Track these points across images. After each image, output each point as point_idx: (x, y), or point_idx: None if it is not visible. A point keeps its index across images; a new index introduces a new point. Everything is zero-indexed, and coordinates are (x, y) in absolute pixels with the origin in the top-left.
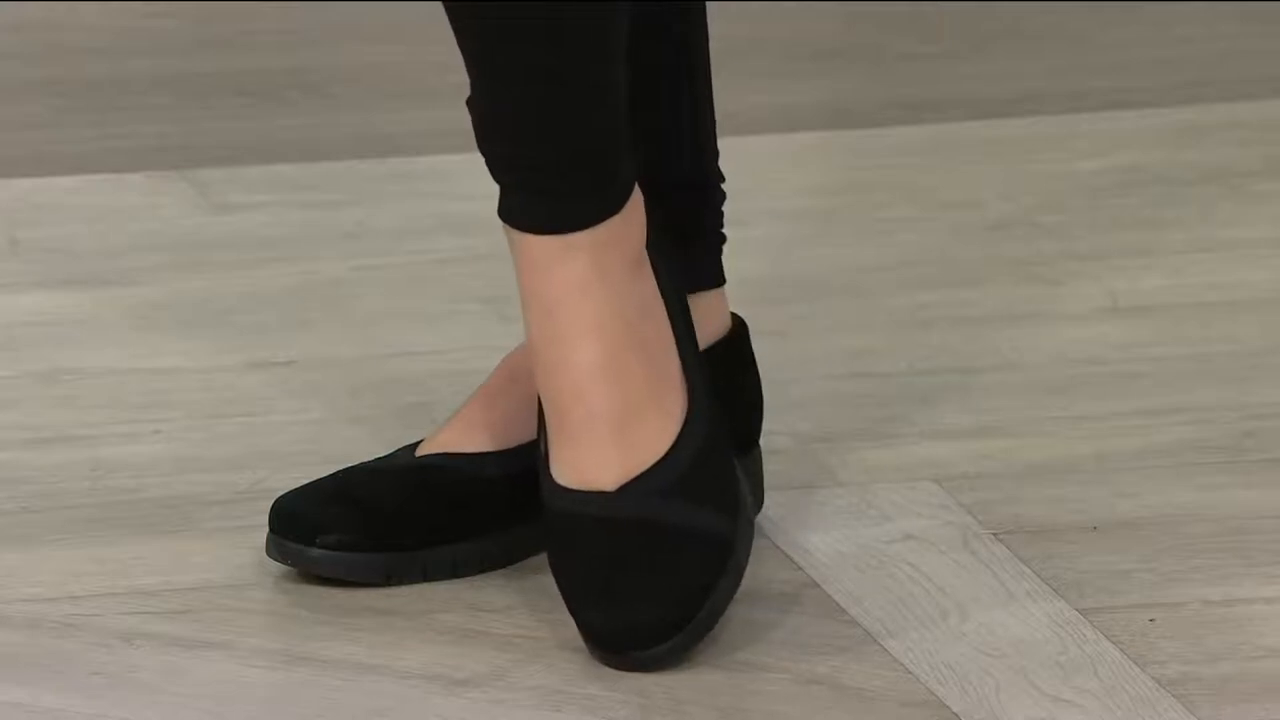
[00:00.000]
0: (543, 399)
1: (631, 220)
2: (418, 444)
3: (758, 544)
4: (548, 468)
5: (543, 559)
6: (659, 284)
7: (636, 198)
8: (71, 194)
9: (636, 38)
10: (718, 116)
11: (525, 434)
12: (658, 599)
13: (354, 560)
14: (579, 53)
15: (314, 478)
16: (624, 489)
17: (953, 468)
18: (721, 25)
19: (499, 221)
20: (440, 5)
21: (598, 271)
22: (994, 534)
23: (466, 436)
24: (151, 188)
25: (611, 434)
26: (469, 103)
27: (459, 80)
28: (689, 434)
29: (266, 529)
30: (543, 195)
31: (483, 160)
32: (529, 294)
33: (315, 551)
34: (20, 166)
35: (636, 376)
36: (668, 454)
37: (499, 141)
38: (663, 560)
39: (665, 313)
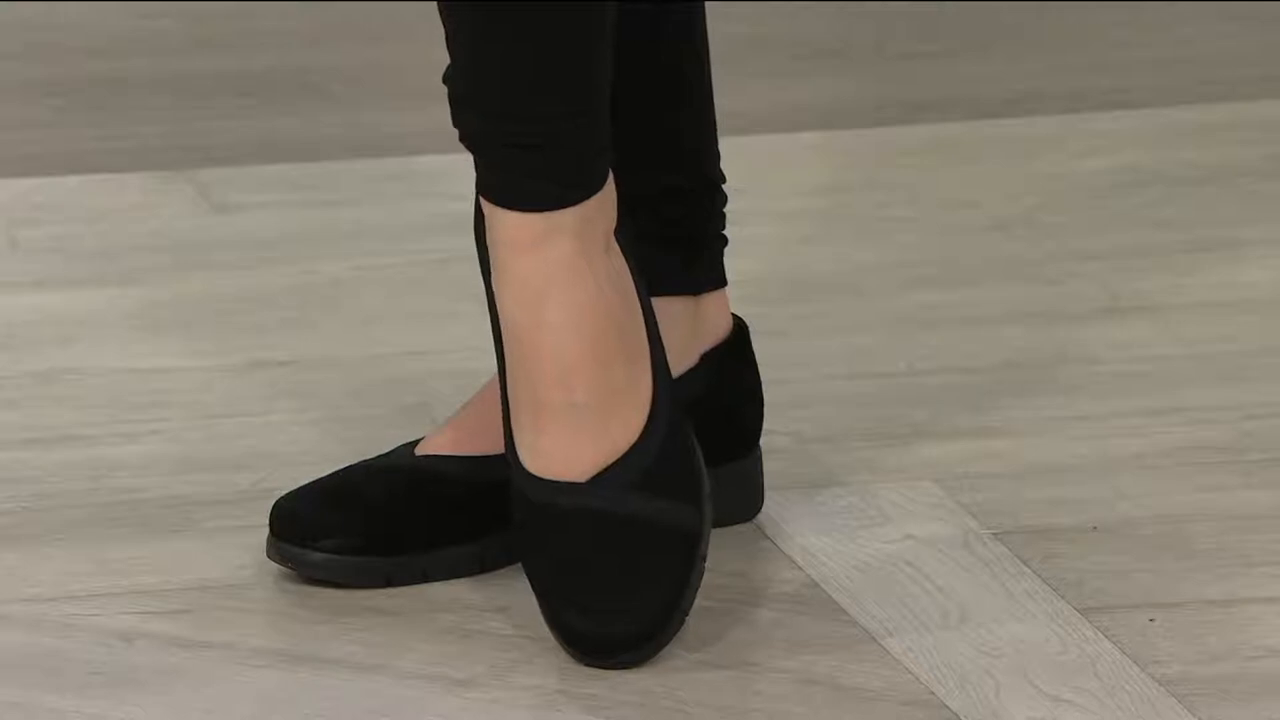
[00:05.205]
0: (517, 384)
1: (606, 201)
2: (417, 442)
3: (758, 544)
4: (516, 453)
5: None
6: (629, 266)
7: (610, 178)
8: (71, 194)
9: (637, 40)
10: (717, 116)
11: None
12: (632, 604)
13: (353, 565)
14: (567, 14)
15: (314, 478)
16: (595, 480)
17: (953, 468)
18: (722, 25)
19: None
20: (439, 6)
21: (584, 254)
22: (994, 534)
23: (467, 440)
24: (151, 188)
25: (590, 423)
26: (446, 78)
27: None
28: (655, 423)
29: (266, 529)
30: (531, 171)
31: None
32: (510, 276)
33: (315, 556)
34: (20, 166)
35: (618, 364)
36: (635, 444)
37: (480, 110)
38: (633, 559)
39: (637, 296)
